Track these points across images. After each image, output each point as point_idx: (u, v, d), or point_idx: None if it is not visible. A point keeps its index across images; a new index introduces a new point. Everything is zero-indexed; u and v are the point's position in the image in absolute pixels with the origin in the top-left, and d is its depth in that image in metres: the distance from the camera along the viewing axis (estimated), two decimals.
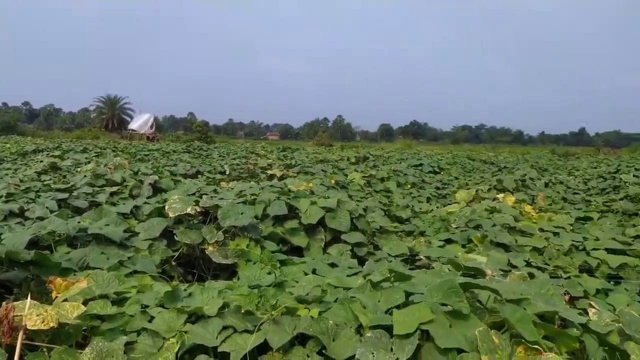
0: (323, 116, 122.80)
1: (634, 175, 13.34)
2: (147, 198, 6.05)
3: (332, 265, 4.00)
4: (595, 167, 18.89)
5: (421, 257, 4.38)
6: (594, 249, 5.53)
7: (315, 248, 4.77)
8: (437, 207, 8.98)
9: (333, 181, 8.39)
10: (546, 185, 11.62)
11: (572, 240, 5.67)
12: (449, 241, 5.39)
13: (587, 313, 3.12)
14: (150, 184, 6.90)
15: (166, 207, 4.38)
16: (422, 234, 6.16)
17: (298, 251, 4.82)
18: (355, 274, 3.52)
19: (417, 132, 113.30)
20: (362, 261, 4.42)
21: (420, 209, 8.62)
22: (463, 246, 5.13)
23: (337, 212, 5.05)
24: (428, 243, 5.20)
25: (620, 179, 12.32)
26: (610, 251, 5.55)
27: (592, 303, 3.40)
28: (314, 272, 3.68)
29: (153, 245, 4.14)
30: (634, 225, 6.83)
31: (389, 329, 1.93)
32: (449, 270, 3.57)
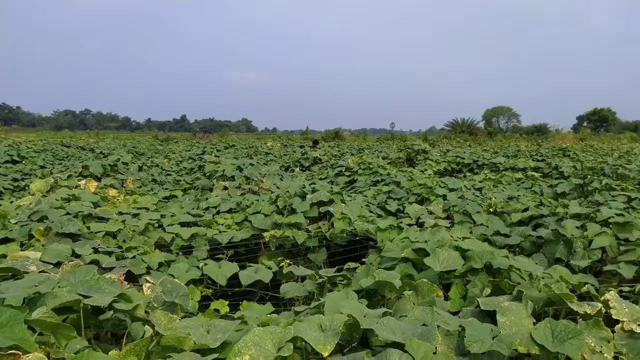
0: None
1: (215, 155, 15.38)
2: None
3: None
4: (189, 150, 20.82)
5: None
6: (169, 225, 5.87)
7: None
8: (11, 202, 7.60)
9: None
10: (140, 168, 11.82)
11: (150, 220, 5.83)
12: (5, 240, 4.52)
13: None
14: None
15: None
16: None
17: None
18: None
19: (7, 117, 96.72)
20: None
21: None
22: (22, 244, 4.39)
23: None
24: None
25: (205, 159, 13.91)
26: (185, 224, 6.03)
27: (148, 278, 3.47)
28: None
29: None
30: (207, 199, 7.71)
31: None
32: None
